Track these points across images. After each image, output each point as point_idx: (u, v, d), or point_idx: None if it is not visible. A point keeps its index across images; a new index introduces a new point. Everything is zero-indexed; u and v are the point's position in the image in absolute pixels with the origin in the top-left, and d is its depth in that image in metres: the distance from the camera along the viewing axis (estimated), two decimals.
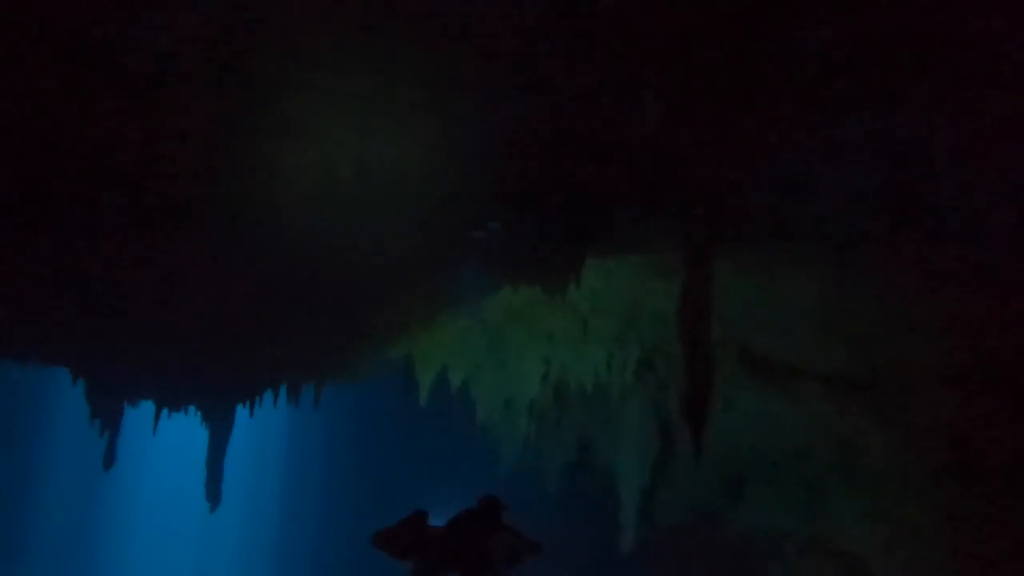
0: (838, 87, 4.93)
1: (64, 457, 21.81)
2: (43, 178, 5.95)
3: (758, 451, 9.20)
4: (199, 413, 10.59)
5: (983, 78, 4.67)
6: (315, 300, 8.72)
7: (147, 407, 10.62)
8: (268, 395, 11.73)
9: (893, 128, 5.17)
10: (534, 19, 4.55)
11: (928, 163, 5.40)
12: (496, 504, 4.71)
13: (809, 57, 4.71)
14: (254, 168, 6.12)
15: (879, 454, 8.23)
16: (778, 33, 4.63)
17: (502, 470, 11.51)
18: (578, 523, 11.25)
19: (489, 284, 7.81)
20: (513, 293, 7.89)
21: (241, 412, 11.86)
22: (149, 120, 5.38)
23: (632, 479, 9.65)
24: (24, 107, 5.13)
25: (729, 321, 8.34)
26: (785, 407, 8.71)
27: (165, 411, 10.09)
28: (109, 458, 10.33)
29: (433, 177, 6.07)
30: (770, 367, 8.73)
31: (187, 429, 12.82)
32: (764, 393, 8.78)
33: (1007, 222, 5.90)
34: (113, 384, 9.50)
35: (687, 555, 10.89)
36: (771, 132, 5.62)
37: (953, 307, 7.21)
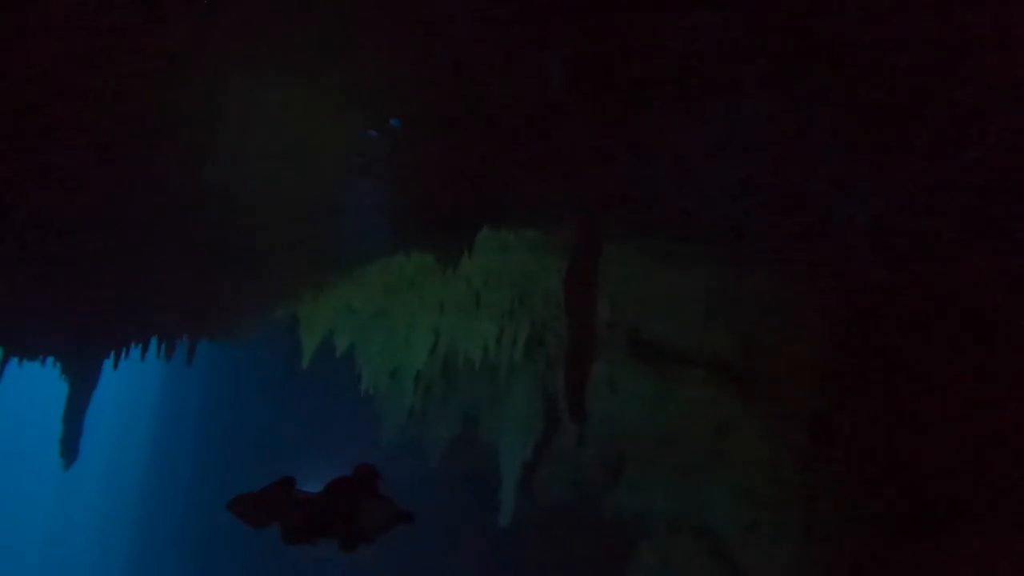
0: (729, 73, 4.98)
1: None
2: None
3: (638, 433, 9.40)
4: (58, 364, 9.80)
5: (865, 74, 4.80)
6: (194, 251, 8.22)
7: None
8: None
9: (777, 118, 5.28)
10: None
11: (807, 155, 5.57)
12: (371, 473, 4.68)
13: (702, 40, 4.74)
14: (135, 105, 5.64)
15: (749, 439, 8.57)
16: (671, 11, 4.64)
17: (384, 441, 11.31)
18: (458, 497, 11.22)
19: (380, 246, 7.56)
20: (406, 260, 7.68)
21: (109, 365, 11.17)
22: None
23: (514, 455, 9.65)
24: None
25: (619, 304, 8.44)
26: (666, 391, 8.91)
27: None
28: None
29: (324, 132, 5.79)
30: (656, 351, 8.92)
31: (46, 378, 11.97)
32: (648, 376, 8.96)
33: (866, 221, 6.19)
34: None
35: (564, 533, 11.06)
36: (666, 116, 5.65)
37: (821, 301, 7.56)
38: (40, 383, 15.12)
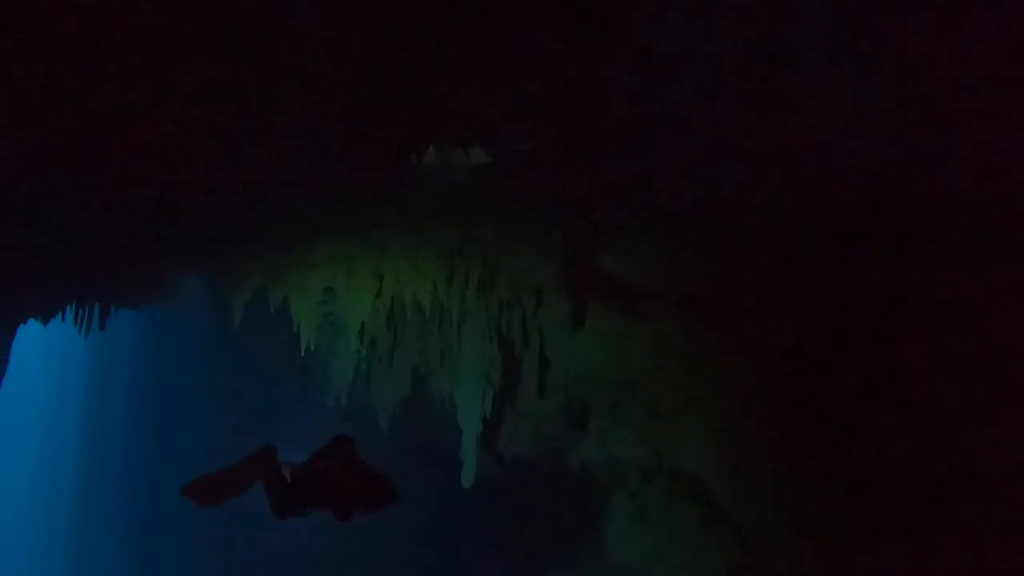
0: None
1: None
2: None
3: (603, 375, 8.72)
4: None
5: None
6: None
7: None
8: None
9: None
10: None
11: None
12: (348, 441, 4.35)
13: None
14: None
15: (723, 375, 7.96)
16: None
17: (330, 405, 10.42)
18: (415, 462, 10.46)
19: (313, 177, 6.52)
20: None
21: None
22: None
23: (473, 410, 8.87)
24: None
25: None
26: (632, 327, 8.23)
27: None
28: None
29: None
30: (619, 286, 8.21)
31: None
32: (612, 313, 8.25)
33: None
34: None
35: (530, 490, 10.43)
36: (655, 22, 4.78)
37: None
38: None
